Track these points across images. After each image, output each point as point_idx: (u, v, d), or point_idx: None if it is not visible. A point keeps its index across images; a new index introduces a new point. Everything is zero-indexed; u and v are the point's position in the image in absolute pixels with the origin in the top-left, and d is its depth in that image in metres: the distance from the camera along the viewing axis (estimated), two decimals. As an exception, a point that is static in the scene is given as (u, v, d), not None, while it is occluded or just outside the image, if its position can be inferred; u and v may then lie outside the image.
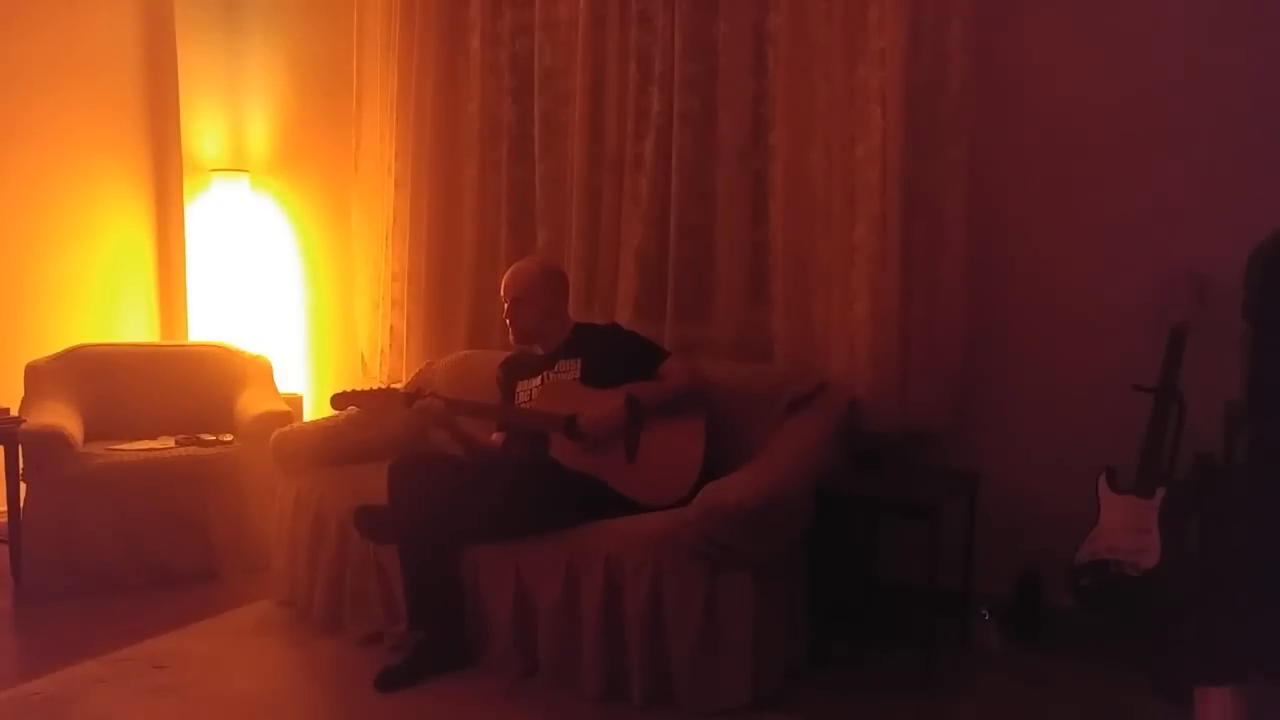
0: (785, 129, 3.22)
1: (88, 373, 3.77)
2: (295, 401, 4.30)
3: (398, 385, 3.69)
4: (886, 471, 2.91)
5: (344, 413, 3.19)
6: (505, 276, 3.09)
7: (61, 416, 3.47)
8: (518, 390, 3.07)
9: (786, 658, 2.64)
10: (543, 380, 3.01)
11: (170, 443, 3.64)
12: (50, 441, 3.32)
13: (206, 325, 4.54)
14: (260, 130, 4.60)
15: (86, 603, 3.25)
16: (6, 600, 3.30)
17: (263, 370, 4.06)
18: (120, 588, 3.36)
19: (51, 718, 2.48)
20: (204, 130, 4.57)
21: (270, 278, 4.58)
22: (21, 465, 3.35)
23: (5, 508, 3.47)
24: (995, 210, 3.05)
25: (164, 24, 4.47)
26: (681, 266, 3.44)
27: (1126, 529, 2.70)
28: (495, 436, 3.13)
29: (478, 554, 2.72)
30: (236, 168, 4.59)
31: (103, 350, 3.91)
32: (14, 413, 3.49)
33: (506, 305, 3.05)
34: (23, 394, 3.62)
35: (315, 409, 4.41)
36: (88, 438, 3.56)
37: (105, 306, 4.43)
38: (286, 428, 3.39)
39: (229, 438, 3.69)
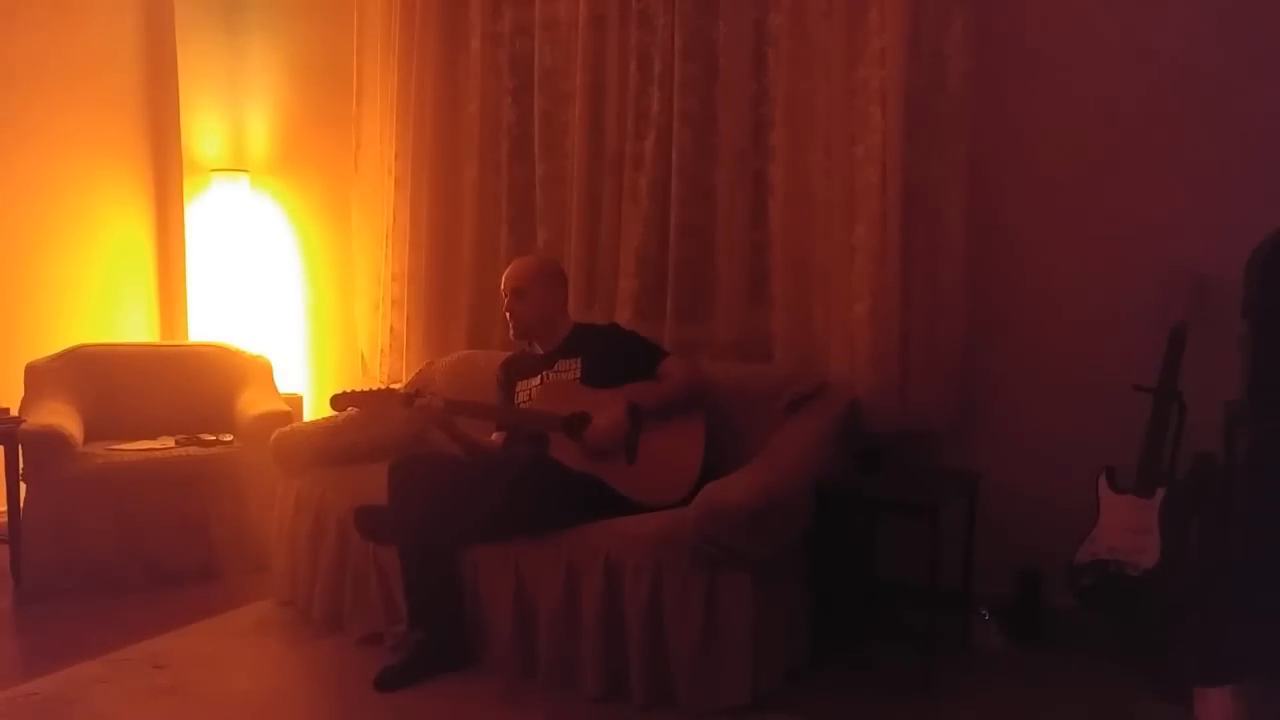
0: (785, 129, 3.22)
1: (88, 373, 3.77)
2: (295, 401, 4.30)
3: (397, 385, 3.69)
4: (886, 471, 2.90)
5: (344, 413, 3.19)
6: (505, 272, 3.10)
7: (61, 416, 3.47)
8: (517, 390, 3.08)
9: (786, 658, 2.64)
10: (542, 380, 3.01)
11: (170, 443, 3.64)
12: (50, 441, 3.32)
13: (206, 325, 4.54)
14: (260, 130, 4.60)
15: (86, 603, 3.25)
16: (6, 600, 3.30)
17: (263, 370, 4.06)
18: (120, 588, 3.36)
19: (51, 718, 2.48)
20: (204, 130, 4.57)
21: (270, 278, 4.58)
22: (21, 465, 3.35)
23: (5, 508, 3.47)
24: (995, 210, 3.05)
25: (164, 24, 4.48)
26: (681, 266, 3.44)
27: (1126, 529, 2.70)
28: (495, 436, 3.13)
29: (478, 554, 2.72)
30: (236, 168, 4.59)
31: (103, 350, 3.91)
32: (14, 413, 3.49)
33: (506, 300, 3.05)
34: (23, 394, 3.62)
35: (315, 409, 4.41)
36: (88, 438, 3.56)
37: (105, 306, 4.43)
38: (286, 428, 3.39)
39: (229, 438, 3.69)
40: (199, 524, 3.52)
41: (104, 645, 2.86)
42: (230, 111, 4.62)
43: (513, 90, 3.81)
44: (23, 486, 3.38)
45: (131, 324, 4.53)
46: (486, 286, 3.74)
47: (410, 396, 2.93)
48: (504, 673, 2.68)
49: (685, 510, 2.52)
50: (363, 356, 4.15)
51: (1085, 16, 2.95)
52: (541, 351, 3.09)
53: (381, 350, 4.05)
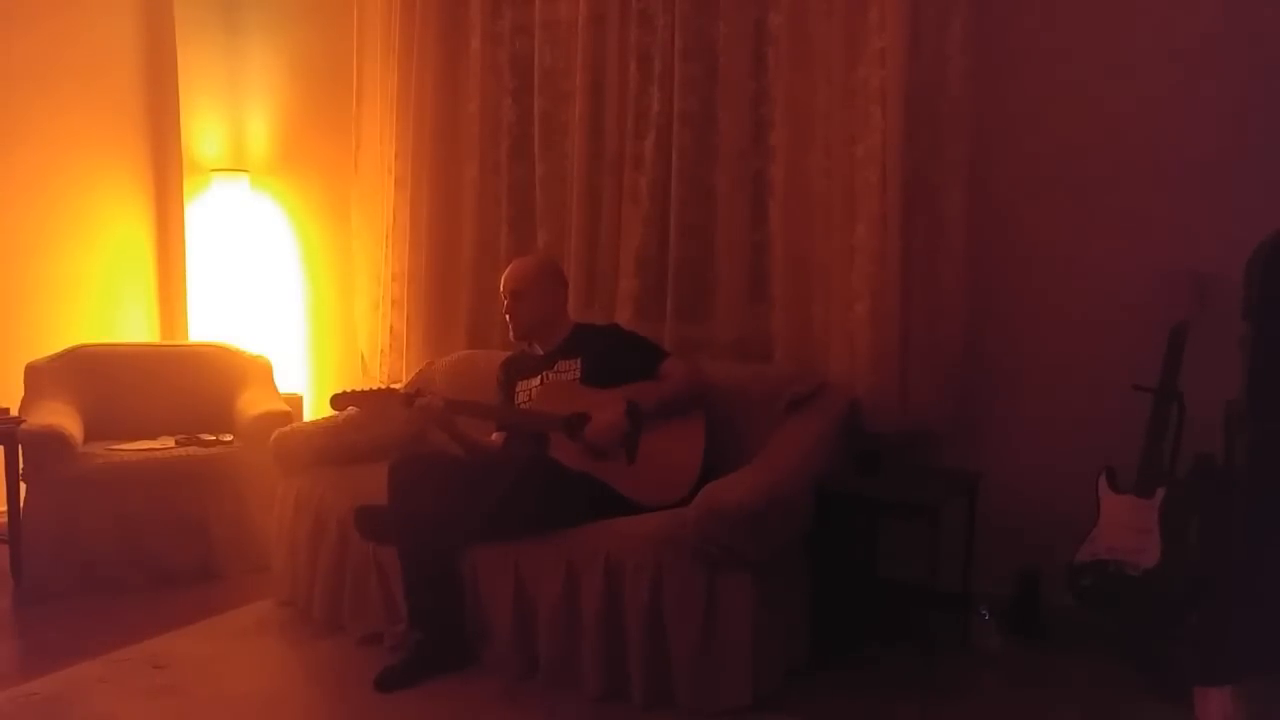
0: (785, 129, 3.22)
1: (88, 373, 3.77)
2: (295, 401, 4.30)
3: (398, 385, 3.69)
4: (886, 471, 2.90)
5: (344, 413, 3.19)
6: (505, 272, 3.10)
7: (61, 416, 3.47)
8: (517, 390, 3.08)
9: (786, 658, 2.64)
10: (542, 380, 3.01)
11: (170, 443, 3.64)
12: (50, 441, 3.32)
13: (206, 325, 4.54)
14: (260, 130, 4.60)
15: (86, 603, 3.25)
16: (6, 600, 3.30)
17: (263, 370, 4.06)
18: (120, 588, 3.36)
19: (51, 718, 2.48)
20: (204, 130, 4.57)
21: (270, 278, 4.58)
22: (21, 465, 3.35)
23: (5, 508, 3.47)
24: (995, 210, 3.05)
25: (164, 24, 4.48)
26: (681, 266, 3.44)
27: (1126, 529, 2.70)
28: (495, 436, 3.13)
29: (478, 554, 2.72)
30: (236, 168, 4.59)
31: (103, 350, 3.91)
32: (14, 413, 3.48)
33: (506, 301, 3.05)
34: (23, 394, 3.62)
35: (315, 409, 4.41)
36: (88, 438, 3.55)
37: (105, 306, 4.43)
38: (286, 428, 3.39)
39: (229, 438, 3.69)
40: (199, 524, 3.52)
41: (104, 645, 2.87)
42: (230, 111, 4.62)
43: (513, 90, 3.81)
44: (23, 486, 3.38)
45: (131, 324, 4.53)
46: (486, 286, 3.74)
47: (410, 396, 2.93)
48: (504, 673, 2.68)
49: (685, 510, 2.52)
50: (363, 356, 4.15)
51: (1085, 16, 2.95)
52: (541, 352, 3.09)
53: (381, 350, 4.05)
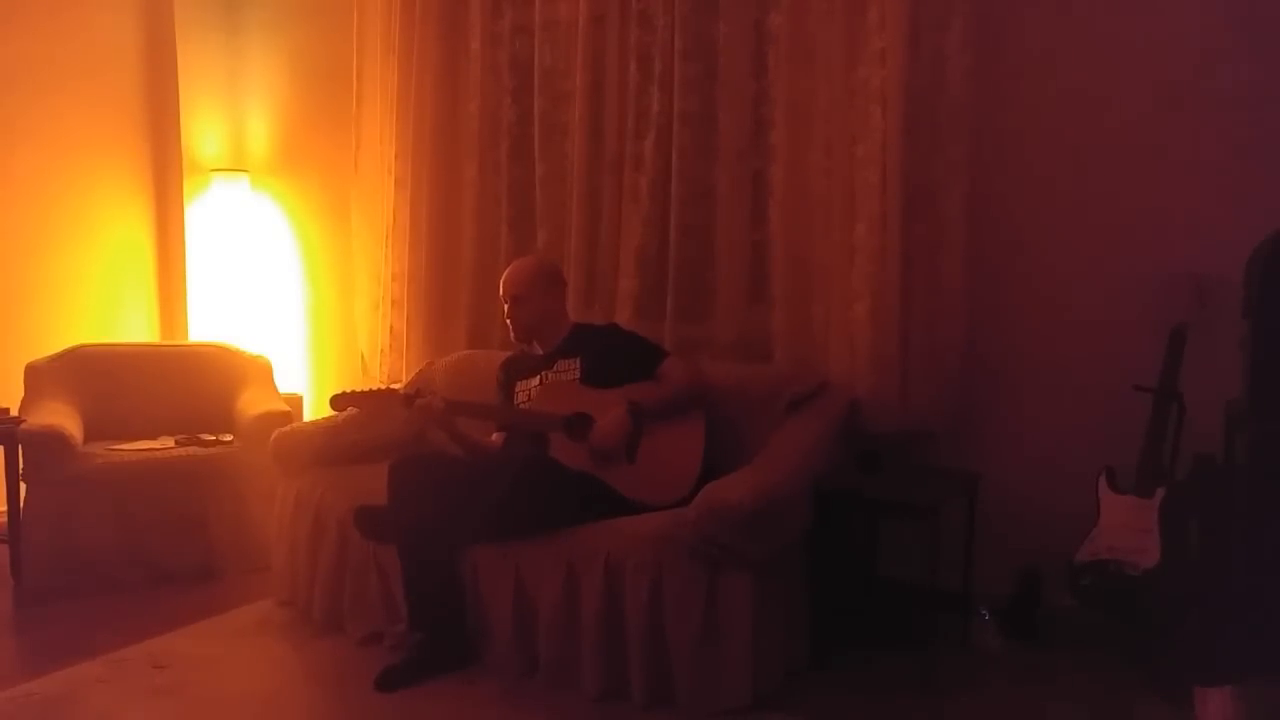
0: (785, 129, 3.22)
1: (88, 373, 3.78)
2: (295, 401, 4.31)
3: (397, 385, 3.69)
4: (886, 471, 2.90)
5: (343, 413, 3.19)
6: (504, 276, 3.10)
7: (61, 416, 3.47)
8: (517, 390, 3.08)
9: (787, 658, 2.64)
10: (541, 380, 3.01)
11: (170, 443, 3.64)
12: (50, 441, 3.32)
13: (206, 325, 4.54)
14: (260, 130, 4.60)
15: (86, 603, 3.25)
16: (6, 600, 3.30)
17: (263, 370, 4.06)
18: (120, 588, 3.36)
19: (51, 718, 2.48)
20: (204, 130, 4.57)
21: (270, 278, 4.58)
22: (21, 465, 3.35)
23: (5, 508, 3.47)
24: (995, 210, 3.05)
25: (164, 24, 4.48)
26: (681, 266, 3.44)
27: (1126, 529, 2.70)
28: (495, 436, 3.13)
29: (478, 554, 2.72)
30: (236, 168, 4.59)
31: (103, 350, 3.91)
32: (14, 413, 3.49)
33: (507, 305, 3.05)
34: (23, 394, 3.63)
35: (315, 409, 4.42)
36: (88, 438, 3.56)
37: (105, 306, 4.44)
38: (286, 428, 3.39)
39: (229, 438, 3.69)
40: (199, 524, 3.52)
41: (104, 645, 2.86)
42: (230, 111, 4.62)
43: (513, 90, 3.81)
44: (23, 486, 3.38)
45: (131, 324, 4.53)
46: (486, 286, 3.74)
47: (410, 397, 2.93)
48: (504, 673, 2.68)
49: (685, 510, 2.52)
50: (363, 356, 4.15)
51: (1085, 16, 2.95)
52: (541, 352, 3.10)
53: (381, 350, 4.05)
